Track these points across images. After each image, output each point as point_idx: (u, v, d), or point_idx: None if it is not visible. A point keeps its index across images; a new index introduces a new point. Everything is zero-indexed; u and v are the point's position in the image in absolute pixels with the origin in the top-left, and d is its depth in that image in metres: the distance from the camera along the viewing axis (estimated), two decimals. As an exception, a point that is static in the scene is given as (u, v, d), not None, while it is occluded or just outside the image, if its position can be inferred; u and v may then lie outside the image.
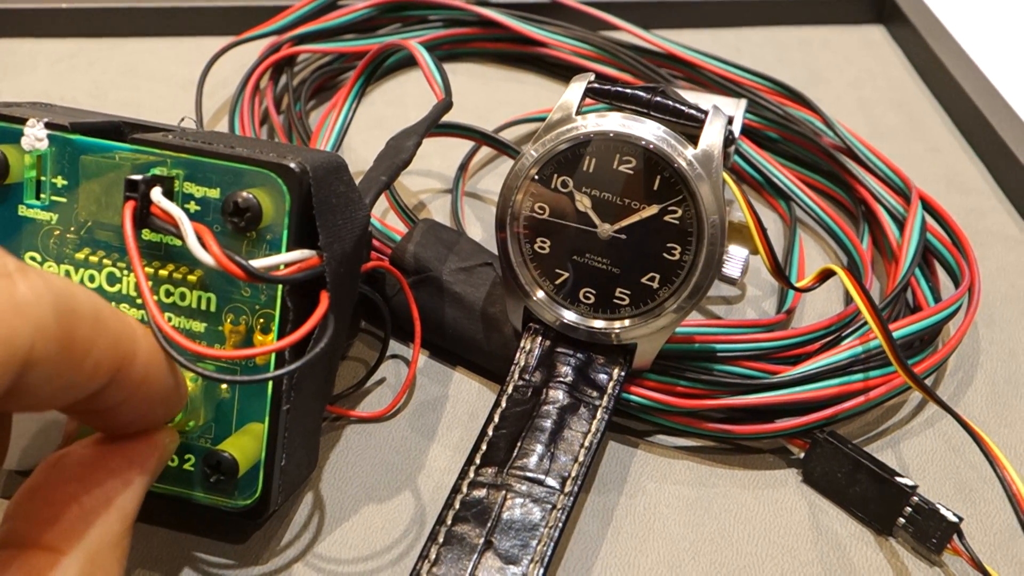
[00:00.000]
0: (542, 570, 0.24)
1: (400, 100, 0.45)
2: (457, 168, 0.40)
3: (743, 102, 0.39)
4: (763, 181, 0.40)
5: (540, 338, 0.29)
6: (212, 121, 0.43)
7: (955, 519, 0.27)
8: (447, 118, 0.34)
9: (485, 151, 0.42)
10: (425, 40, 0.45)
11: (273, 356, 0.25)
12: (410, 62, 0.47)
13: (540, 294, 0.29)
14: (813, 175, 0.41)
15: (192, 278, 0.25)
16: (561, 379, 0.28)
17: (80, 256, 0.25)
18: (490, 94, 0.46)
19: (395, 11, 0.46)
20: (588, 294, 0.29)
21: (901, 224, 0.36)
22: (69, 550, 0.19)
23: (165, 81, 0.46)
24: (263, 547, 0.27)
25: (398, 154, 0.30)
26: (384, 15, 0.46)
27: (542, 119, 0.44)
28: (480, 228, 0.38)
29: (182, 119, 0.29)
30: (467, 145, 0.40)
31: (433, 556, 0.25)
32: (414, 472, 0.29)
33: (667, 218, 0.27)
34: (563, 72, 0.47)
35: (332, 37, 0.45)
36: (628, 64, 0.44)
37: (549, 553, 0.25)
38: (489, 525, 0.25)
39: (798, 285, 0.31)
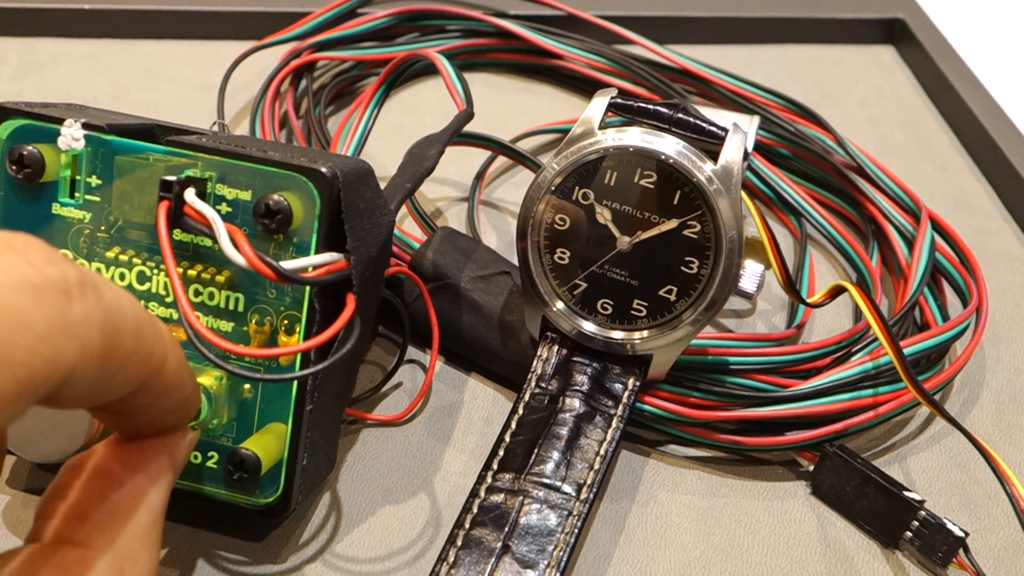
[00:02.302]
0: (558, 574, 0.25)
1: (416, 108, 0.46)
2: (474, 177, 0.40)
3: (756, 119, 0.39)
4: (774, 197, 0.41)
5: (557, 347, 0.30)
6: (232, 124, 0.44)
7: (961, 534, 0.27)
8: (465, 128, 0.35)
9: (500, 160, 0.42)
10: (443, 50, 0.46)
11: (299, 357, 0.25)
12: (426, 71, 0.47)
13: (558, 303, 0.29)
14: (824, 192, 0.41)
15: (220, 278, 0.25)
16: (577, 388, 0.29)
17: (111, 254, 0.26)
18: (505, 104, 0.47)
19: (414, 20, 0.47)
20: (606, 305, 0.29)
21: (910, 242, 0.37)
22: (98, 545, 0.20)
23: (184, 83, 0.47)
24: (281, 545, 0.27)
25: (422, 162, 0.30)
26: (403, 24, 0.47)
27: (557, 130, 0.45)
28: (495, 236, 0.39)
29: (214, 123, 0.30)
30: (483, 154, 0.41)
31: (452, 559, 0.25)
32: (430, 475, 0.30)
33: (686, 232, 0.28)
34: (577, 84, 0.48)
35: (351, 44, 0.46)
36: (642, 78, 0.45)
37: (565, 559, 0.25)
38: (507, 530, 0.26)
39: (810, 301, 0.32)
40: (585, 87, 0.48)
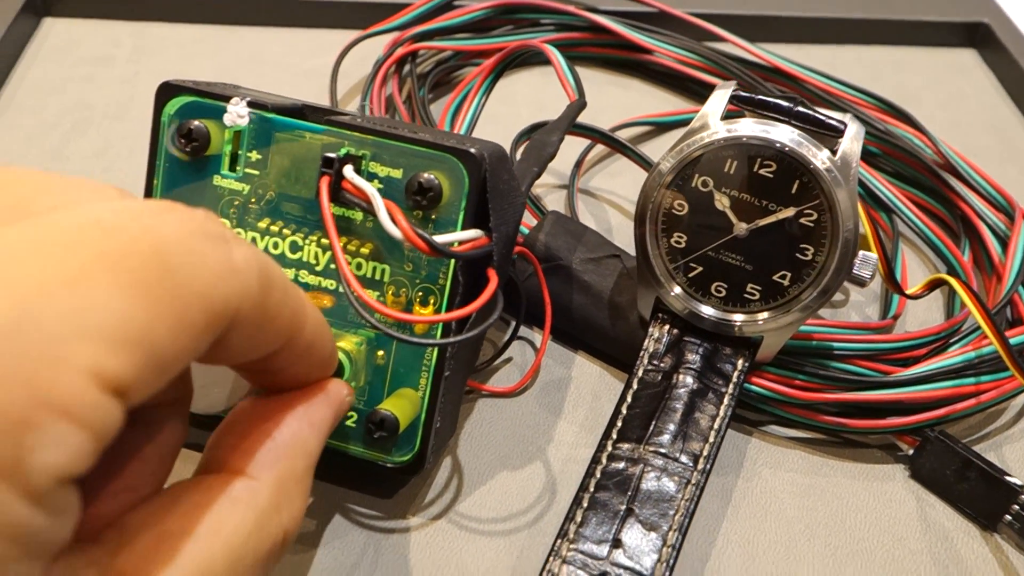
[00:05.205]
0: (680, 537, 0.26)
1: (511, 98, 0.48)
2: (573, 165, 0.42)
3: (847, 116, 0.40)
4: (865, 194, 0.42)
5: (668, 327, 0.31)
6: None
7: (1061, 519, 0.29)
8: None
9: (596, 150, 0.44)
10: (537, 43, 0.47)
11: (440, 325, 0.27)
12: (522, 63, 0.49)
13: (675, 287, 0.31)
14: (914, 190, 0.42)
15: (364, 250, 0.27)
16: (690, 366, 0.30)
17: (262, 224, 0.28)
18: (596, 97, 0.48)
19: (509, 13, 0.48)
20: (719, 288, 0.30)
21: (1003, 241, 0.38)
22: (261, 477, 0.21)
23: (287, 69, 0.49)
24: (409, 502, 0.29)
25: (544, 148, 0.32)
26: (498, 16, 0.48)
27: (652, 123, 0.46)
28: (593, 222, 0.40)
29: (360, 106, 0.31)
30: (580, 143, 0.42)
31: (579, 518, 0.27)
32: (544, 444, 0.31)
33: (803, 220, 0.29)
34: (666, 80, 0.49)
35: (448, 35, 0.47)
36: (733, 74, 0.46)
37: (687, 523, 0.26)
38: (629, 494, 0.27)
39: (909, 292, 0.33)
40: (675, 83, 0.49)
